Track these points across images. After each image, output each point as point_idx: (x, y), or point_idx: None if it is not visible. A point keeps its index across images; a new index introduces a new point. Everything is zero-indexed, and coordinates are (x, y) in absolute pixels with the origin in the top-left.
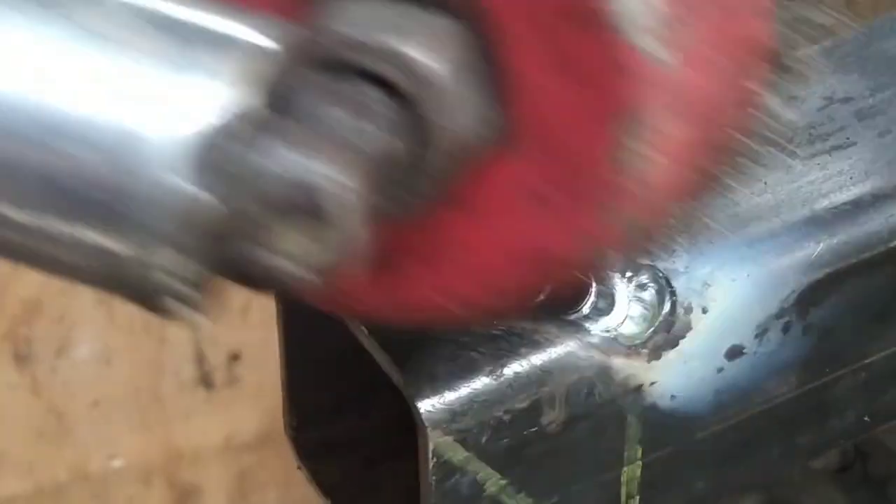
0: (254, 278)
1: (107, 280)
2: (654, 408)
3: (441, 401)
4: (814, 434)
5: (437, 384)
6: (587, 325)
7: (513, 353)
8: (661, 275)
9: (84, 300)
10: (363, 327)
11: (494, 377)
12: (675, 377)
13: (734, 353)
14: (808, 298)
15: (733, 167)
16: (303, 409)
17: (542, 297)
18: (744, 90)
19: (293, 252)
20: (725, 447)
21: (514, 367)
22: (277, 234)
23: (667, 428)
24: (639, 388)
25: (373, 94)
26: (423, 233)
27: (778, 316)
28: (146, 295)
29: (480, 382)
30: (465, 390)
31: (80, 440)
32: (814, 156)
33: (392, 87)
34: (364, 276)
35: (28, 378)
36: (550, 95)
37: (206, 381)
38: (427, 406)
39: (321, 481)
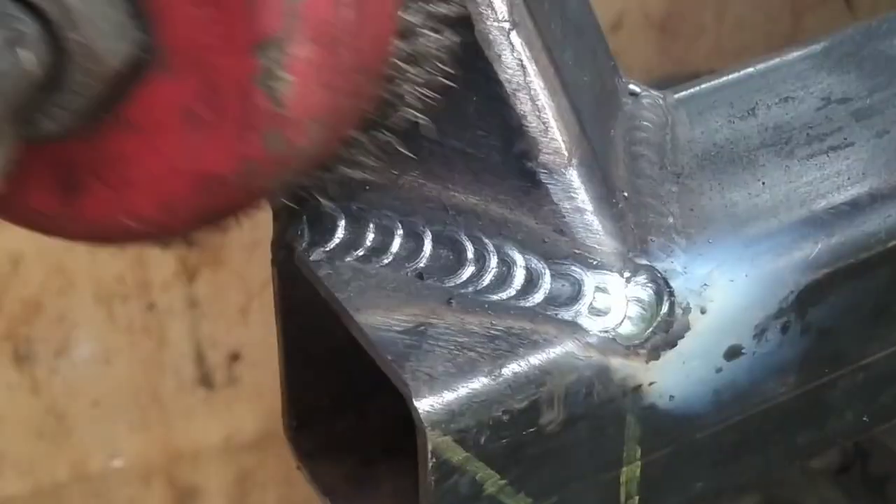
0: None
1: None
2: (652, 408)
3: (440, 401)
4: (813, 434)
5: (435, 384)
6: (585, 325)
7: (511, 353)
8: (659, 275)
9: (84, 300)
10: (362, 328)
11: (493, 377)
12: (673, 377)
13: (733, 353)
14: (807, 299)
15: (377, 90)
16: (302, 409)
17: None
18: (382, 14)
19: None
20: (725, 447)
21: (512, 368)
22: None
23: (666, 428)
24: (637, 389)
25: (11, 12)
26: (98, 152)
27: (776, 316)
28: None
29: (479, 382)
30: (463, 390)
31: (80, 440)
32: (811, 156)
33: (31, 5)
34: (46, 193)
35: (28, 378)
36: (192, 20)
37: (205, 381)
38: (426, 406)
39: (321, 481)
